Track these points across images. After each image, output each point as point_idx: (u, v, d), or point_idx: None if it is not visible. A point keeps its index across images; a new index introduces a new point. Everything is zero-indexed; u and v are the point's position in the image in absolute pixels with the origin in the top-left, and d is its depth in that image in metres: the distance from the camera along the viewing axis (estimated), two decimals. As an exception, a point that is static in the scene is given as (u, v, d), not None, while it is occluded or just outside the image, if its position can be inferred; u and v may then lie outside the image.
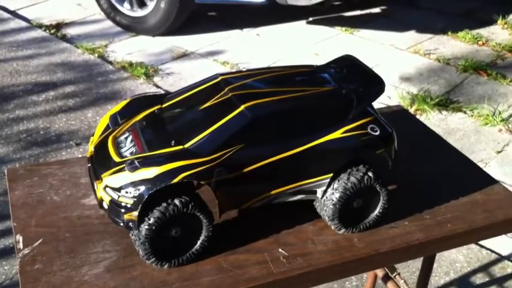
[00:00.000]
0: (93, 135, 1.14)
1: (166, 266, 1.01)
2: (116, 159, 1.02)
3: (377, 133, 1.09)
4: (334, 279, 1.16)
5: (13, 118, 2.98)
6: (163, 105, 1.12)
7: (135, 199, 0.95)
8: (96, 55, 3.70)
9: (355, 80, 1.15)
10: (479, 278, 2.23)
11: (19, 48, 3.75)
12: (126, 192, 0.96)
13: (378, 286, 1.90)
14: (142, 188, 0.95)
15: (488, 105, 3.27)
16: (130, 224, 0.97)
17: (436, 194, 1.24)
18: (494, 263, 2.31)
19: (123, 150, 1.04)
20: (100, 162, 1.05)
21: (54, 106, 3.12)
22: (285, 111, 1.04)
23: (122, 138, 1.07)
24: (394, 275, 1.64)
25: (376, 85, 1.14)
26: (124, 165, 0.98)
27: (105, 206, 1.00)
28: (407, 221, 1.16)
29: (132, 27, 4.01)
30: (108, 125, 1.11)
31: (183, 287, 0.98)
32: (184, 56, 3.78)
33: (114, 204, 0.98)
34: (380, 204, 1.11)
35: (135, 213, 0.96)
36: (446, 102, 3.30)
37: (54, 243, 1.05)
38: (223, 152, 0.99)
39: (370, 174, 1.08)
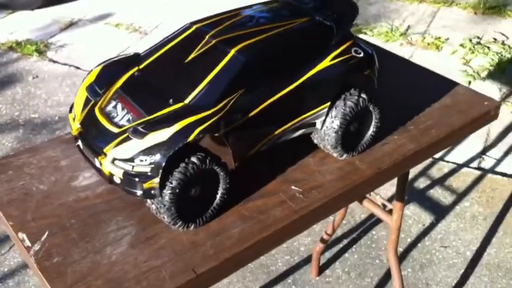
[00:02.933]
0: (70, 112, 1.05)
1: (192, 227, 0.98)
2: (114, 130, 0.95)
3: (361, 55, 1.10)
4: (347, 204, 1.18)
5: None
6: (141, 66, 1.06)
7: (153, 165, 0.90)
8: (-24, 40, 3.39)
9: (326, 6, 1.14)
10: (422, 182, 2.38)
11: None
12: (141, 161, 0.90)
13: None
14: (158, 153, 0.90)
15: (385, 23, 3.41)
16: (152, 191, 0.92)
17: (410, 106, 1.28)
18: (431, 166, 2.47)
19: (117, 119, 0.97)
20: (95, 136, 0.97)
21: None
22: (275, 48, 1.02)
23: (110, 107, 1.00)
24: (365, 193, 1.70)
25: (350, 7, 1.14)
26: (127, 134, 0.92)
27: (117, 180, 0.94)
28: (395, 135, 1.20)
29: (7, 4, 3.70)
30: (87, 98, 1.03)
31: (216, 242, 0.96)
32: (72, 24, 3.56)
33: (129, 175, 0.92)
34: (373, 123, 1.14)
35: (157, 180, 0.91)
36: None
37: (64, 232, 0.98)
38: (227, 100, 0.95)
39: (364, 95, 1.09)
